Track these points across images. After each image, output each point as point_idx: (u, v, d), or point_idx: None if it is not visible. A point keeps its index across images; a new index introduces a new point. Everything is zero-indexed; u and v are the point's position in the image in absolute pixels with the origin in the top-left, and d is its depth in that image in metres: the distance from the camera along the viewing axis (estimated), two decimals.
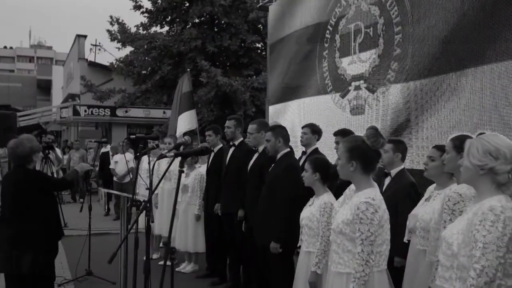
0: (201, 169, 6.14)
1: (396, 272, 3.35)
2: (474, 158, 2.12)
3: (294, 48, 7.52)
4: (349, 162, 2.64)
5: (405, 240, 3.38)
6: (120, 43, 16.87)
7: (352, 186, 3.06)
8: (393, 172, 3.93)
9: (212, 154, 5.78)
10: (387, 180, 3.96)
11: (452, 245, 2.11)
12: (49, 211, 3.94)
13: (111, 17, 16.92)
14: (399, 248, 3.44)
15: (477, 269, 1.95)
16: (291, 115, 7.47)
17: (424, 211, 3.20)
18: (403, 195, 3.72)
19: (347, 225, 2.55)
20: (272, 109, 8.23)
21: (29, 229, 3.79)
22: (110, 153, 11.25)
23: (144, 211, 2.94)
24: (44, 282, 3.90)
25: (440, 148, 3.27)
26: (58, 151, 10.81)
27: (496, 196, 2.07)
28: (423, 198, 3.37)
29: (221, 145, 5.88)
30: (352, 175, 2.67)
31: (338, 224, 2.61)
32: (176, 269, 5.80)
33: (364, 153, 2.62)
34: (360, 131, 5.27)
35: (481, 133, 2.28)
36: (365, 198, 2.52)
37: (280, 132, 4.45)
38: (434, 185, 3.33)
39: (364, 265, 2.45)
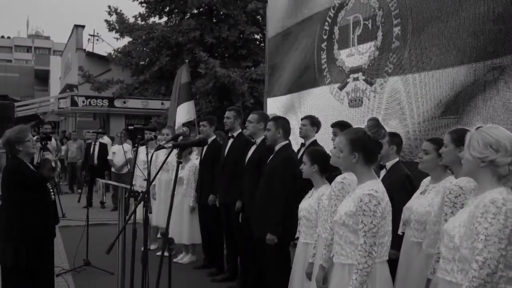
0: (196, 161, 6.15)
1: (390, 264, 3.38)
2: (475, 151, 2.13)
3: (293, 40, 7.50)
4: (351, 154, 2.63)
5: (399, 232, 3.40)
6: (118, 34, 16.82)
7: (337, 179, 3.06)
8: (388, 164, 3.95)
9: (206, 145, 5.77)
10: (382, 173, 3.97)
11: (454, 237, 2.12)
12: (30, 207, 3.76)
13: (109, 7, 16.86)
14: (393, 241, 3.45)
15: (479, 261, 1.96)
16: (289, 107, 7.47)
17: (419, 204, 3.21)
18: (398, 188, 3.73)
19: (350, 217, 2.56)
20: (270, 101, 8.23)
21: (8, 222, 3.75)
22: (92, 144, 11.13)
23: (142, 202, 2.96)
24: (34, 276, 3.82)
25: (434, 141, 3.28)
26: (53, 141, 10.75)
27: (497, 189, 2.08)
28: (418, 191, 3.38)
29: (214, 137, 5.89)
30: (354, 167, 2.66)
31: (341, 216, 2.62)
32: (174, 260, 5.83)
33: (366, 144, 2.62)
34: (358, 124, 5.27)
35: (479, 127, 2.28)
36: (368, 190, 2.53)
37: (282, 123, 4.46)
38: (429, 178, 3.34)
39: (366, 257, 2.46)
